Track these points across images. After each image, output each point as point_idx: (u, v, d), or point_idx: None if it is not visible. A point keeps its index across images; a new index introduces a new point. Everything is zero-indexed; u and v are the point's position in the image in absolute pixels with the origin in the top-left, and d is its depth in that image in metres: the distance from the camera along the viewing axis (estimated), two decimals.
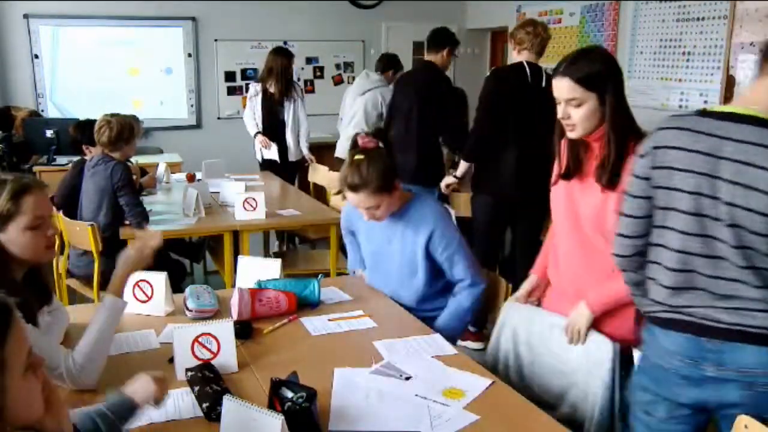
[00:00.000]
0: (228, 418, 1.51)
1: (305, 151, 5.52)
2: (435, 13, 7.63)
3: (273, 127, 5.39)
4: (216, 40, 7.10)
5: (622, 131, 1.93)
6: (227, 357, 1.91)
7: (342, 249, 3.47)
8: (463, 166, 3.90)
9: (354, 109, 5.55)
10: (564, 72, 1.93)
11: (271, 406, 1.60)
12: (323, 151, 6.02)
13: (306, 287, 2.44)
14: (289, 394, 1.59)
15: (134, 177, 4.18)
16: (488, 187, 3.83)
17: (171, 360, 1.92)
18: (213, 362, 1.88)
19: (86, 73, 6.75)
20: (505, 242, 4.12)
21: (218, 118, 7.28)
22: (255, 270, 2.57)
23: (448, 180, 4.02)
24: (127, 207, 3.59)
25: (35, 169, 5.42)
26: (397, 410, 1.73)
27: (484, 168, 3.84)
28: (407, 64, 7.26)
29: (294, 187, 5.31)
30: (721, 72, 4.80)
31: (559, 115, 1.97)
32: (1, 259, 1.73)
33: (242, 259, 2.66)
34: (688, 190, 1.59)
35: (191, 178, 4.80)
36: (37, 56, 6.56)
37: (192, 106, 7.19)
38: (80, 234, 3.51)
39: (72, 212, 3.76)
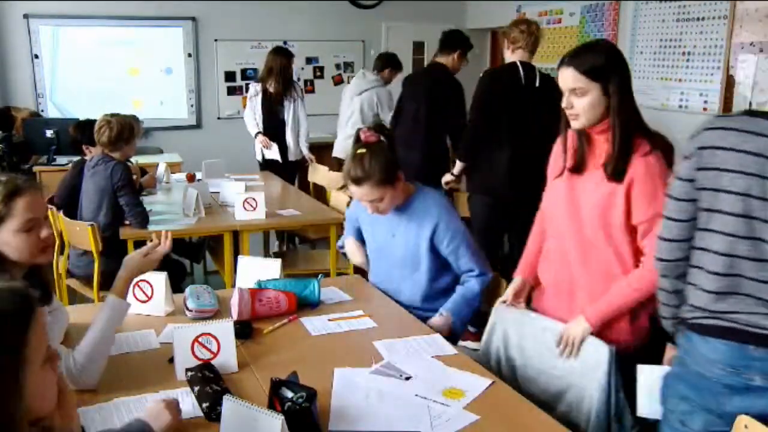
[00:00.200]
0: (228, 418, 1.51)
1: (305, 151, 5.52)
2: (435, 13, 7.64)
3: (273, 127, 5.39)
4: (216, 40, 7.09)
5: (626, 124, 1.93)
6: (227, 357, 1.91)
7: None
8: (459, 164, 3.93)
9: (351, 110, 5.58)
10: (569, 62, 1.95)
11: (271, 406, 1.60)
12: (323, 151, 6.03)
13: (306, 287, 2.44)
14: (289, 394, 1.59)
15: (134, 177, 4.19)
16: (483, 187, 3.86)
17: (171, 360, 1.92)
18: (213, 362, 1.88)
19: (86, 73, 6.75)
20: (504, 242, 4.12)
21: (218, 118, 7.28)
22: (255, 270, 2.57)
23: (446, 178, 4.05)
24: (127, 207, 3.59)
25: (35, 169, 5.42)
26: (397, 410, 1.73)
27: (477, 168, 3.86)
28: (407, 64, 7.27)
29: (294, 187, 5.31)
30: (721, 72, 4.79)
31: (563, 104, 1.99)
32: None
33: (242, 259, 2.66)
34: (736, 191, 1.55)
35: (191, 178, 4.80)
36: (37, 56, 6.56)
37: (192, 106, 7.18)
38: (80, 234, 3.51)
39: (72, 212, 3.76)
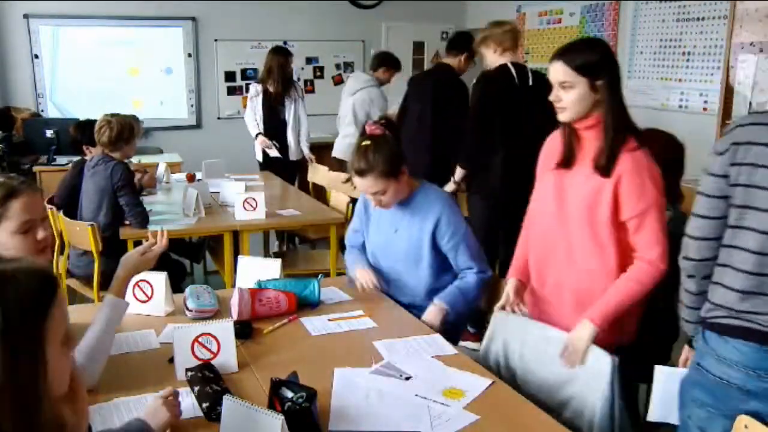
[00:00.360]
0: (228, 418, 1.51)
1: (306, 151, 5.52)
2: (435, 13, 7.64)
3: (274, 127, 5.40)
4: (216, 40, 7.10)
5: (616, 119, 1.96)
6: (227, 357, 1.91)
7: (342, 249, 3.47)
8: (459, 171, 3.91)
9: (345, 110, 5.59)
10: (559, 56, 1.99)
11: (271, 406, 1.60)
12: (323, 150, 6.02)
13: (306, 287, 2.44)
14: (289, 394, 1.59)
15: (138, 176, 4.20)
16: (479, 187, 3.85)
17: (171, 360, 1.92)
18: (213, 362, 1.88)
19: (86, 73, 6.75)
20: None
21: (218, 118, 7.28)
22: (255, 270, 2.57)
23: (449, 187, 4.03)
24: (127, 207, 3.59)
25: (35, 169, 5.42)
26: (397, 410, 1.73)
27: (474, 169, 3.85)
28: (407, 64, 7.28)
29: (294, 187, 5.31)
30: (721, 72, 4.80)
31: (551, 97, 2.02)
32: None
33: (242, 259, 2.66)
34: None
35: (191, 178, 4.81)
36: (37, 56, 6.56)
37: (192, 106, 7.19)
38: (80, 234, 3.51)
39: (72, 212, 3.76)
